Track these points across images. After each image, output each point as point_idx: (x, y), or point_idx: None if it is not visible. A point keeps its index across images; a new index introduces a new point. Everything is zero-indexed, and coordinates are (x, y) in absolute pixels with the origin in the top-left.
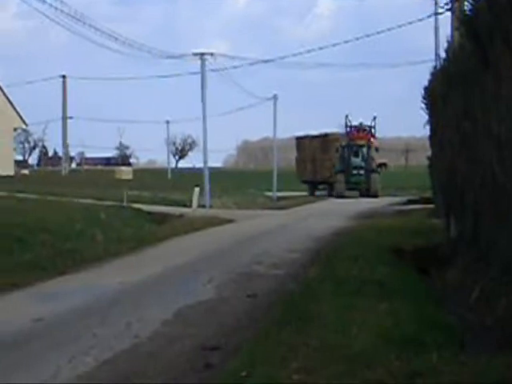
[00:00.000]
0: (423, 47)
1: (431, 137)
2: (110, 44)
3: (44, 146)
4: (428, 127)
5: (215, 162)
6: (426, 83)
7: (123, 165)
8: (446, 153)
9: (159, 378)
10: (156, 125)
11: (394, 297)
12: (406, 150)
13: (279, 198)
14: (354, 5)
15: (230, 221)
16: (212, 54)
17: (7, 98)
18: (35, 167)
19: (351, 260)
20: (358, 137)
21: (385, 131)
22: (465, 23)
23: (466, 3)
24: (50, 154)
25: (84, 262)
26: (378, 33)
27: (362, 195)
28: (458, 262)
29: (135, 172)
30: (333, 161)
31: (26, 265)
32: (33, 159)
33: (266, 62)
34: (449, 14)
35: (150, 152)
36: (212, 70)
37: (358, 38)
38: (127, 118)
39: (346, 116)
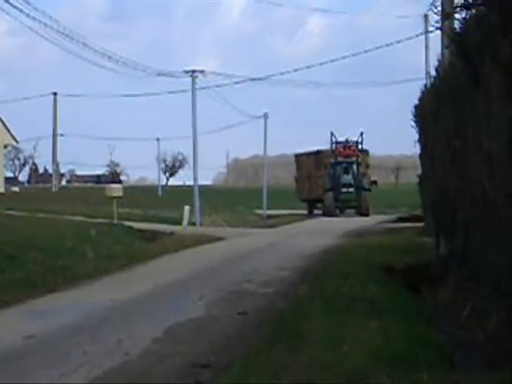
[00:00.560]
0: (414, 65)
1: (421, 154)
2: (100, 61)
3: (34, 163)
4: (418, 145)
5: (205, 179)
6: (416, 101)
7: (114, 182)
8: (437, 170)
9: None
10: (146, 142)
11: (385, 315)
12: (396, 168)
13: (269, 216)
14: (344, 22)
15: (220, 239)
16: (202, 72)
17: None
18: (25, 184)
19: (341, 278)
20: (345, 153)
21: (375, 149)
22: (455, 41)
23: (455, 21)
24: (41, 171)
25: (74, 280)
26: (366, 51)
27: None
28: (448, 280)
29: (126, 189)
30: (324, 178)
31: (16, 282)
32: (23, 176)
33: (255, 79)
34: (439, 32)
35: (141, 169)
36: (202, 88)
37: (344, 57)
38: (118, 136)
39: (331, 133)
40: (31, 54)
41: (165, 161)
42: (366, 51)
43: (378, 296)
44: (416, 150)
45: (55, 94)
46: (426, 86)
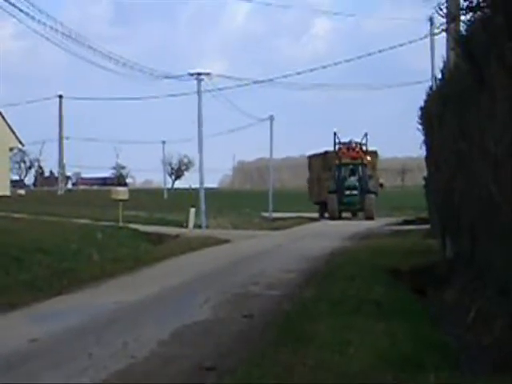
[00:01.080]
0: (420, 68)
1: (427, 157)
2: (107, 65)
3: (40, 166)
4: (424, 147)
5: (211, 182)
6: (422, 103)
7: (119, 185)
8: (442, 173)
9: None
10: (152, 145)
11: (391, 317)
12: (402, 171)
13: (275, 219)
14: (350, 25)
15: (225, 241)
16: (208, 74)
17: (3, 118)
18: (31, 187)
19: (347, 280)
20: (349, 155)
21: (381, 151)
22: (460, 43)
23: (461, 24)
24: (47, 173)
25: (80, 282)
26: (370, 54)
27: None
28: (454, 282)
29: (131, 192)
30: (330, 180)
31: (22, 285)
32: (29, 179)
33: (261, 82)
34: (444, 34)
35: (147, 172)
36: (208, 91)
37: (348, 60)
38: (124, 138)
39: (335, 133)
40: (37, 57)
41: (170, 164)
42: (370, 54)
43: (384, 298)
44: (422, 152)
45: (61, 96)
46: (431, 88)
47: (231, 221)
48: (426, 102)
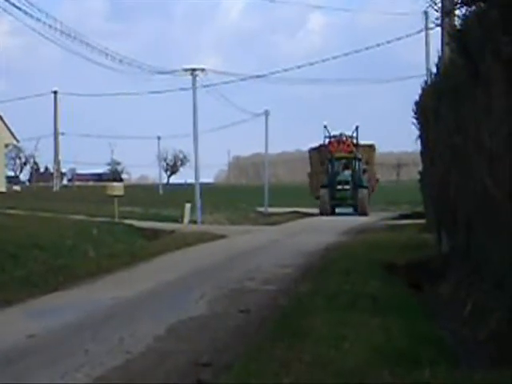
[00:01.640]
0: (414, 62)
1: (422, 151)
2: (101, 60)
3: (35, 162)
4: (419, 142)
5: (206, 177)
6: (417, 98)
7: (115, 181)
8: (438, 167)
9: None
10: (147, 140)
11: (387, 312)
12: (397, 165)
13: (270, 214)
14: (346, 20)
15: (221, 236)
16: (203, 70)
17: None
18: (27, 183)
19: (343, 275)
20: (339, 148)
21: (376, 146)
22: (455, 38)
23: (456, 18)
24: (42, 169)
25: (76, 278)
26: (367, 48)
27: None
28: (450, 277)
29: (127, 188)
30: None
31: (18, 281)
32: (24, 175)
33: (256, 77)
34: (439, 29)
35: (142, 168)
36: (203, 86)
37: (346, 54)
38: (119, 134)
39: (325, 126)
40: (33, 53)
41: (166, 159)
42: (366, 48)
43: (379, 293)
44: (417, 146)
45: (55, 92)
46: (426, 82)
47: (227, 216)
48: (421, 96)
